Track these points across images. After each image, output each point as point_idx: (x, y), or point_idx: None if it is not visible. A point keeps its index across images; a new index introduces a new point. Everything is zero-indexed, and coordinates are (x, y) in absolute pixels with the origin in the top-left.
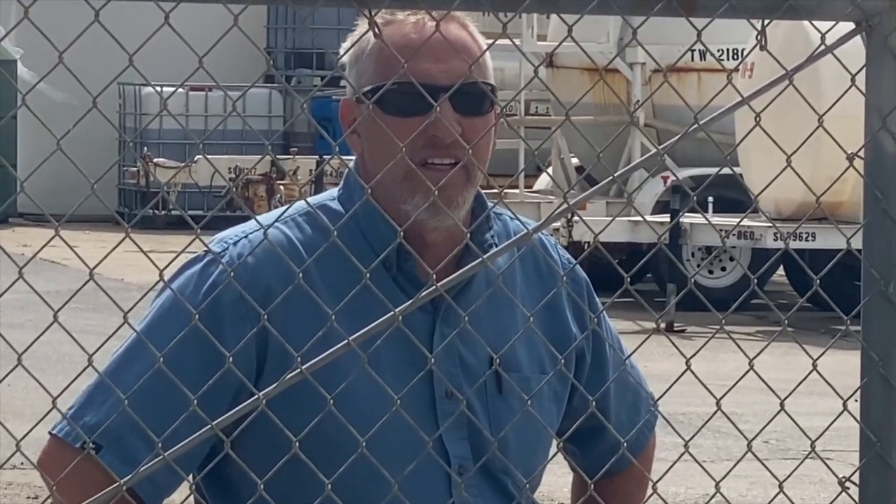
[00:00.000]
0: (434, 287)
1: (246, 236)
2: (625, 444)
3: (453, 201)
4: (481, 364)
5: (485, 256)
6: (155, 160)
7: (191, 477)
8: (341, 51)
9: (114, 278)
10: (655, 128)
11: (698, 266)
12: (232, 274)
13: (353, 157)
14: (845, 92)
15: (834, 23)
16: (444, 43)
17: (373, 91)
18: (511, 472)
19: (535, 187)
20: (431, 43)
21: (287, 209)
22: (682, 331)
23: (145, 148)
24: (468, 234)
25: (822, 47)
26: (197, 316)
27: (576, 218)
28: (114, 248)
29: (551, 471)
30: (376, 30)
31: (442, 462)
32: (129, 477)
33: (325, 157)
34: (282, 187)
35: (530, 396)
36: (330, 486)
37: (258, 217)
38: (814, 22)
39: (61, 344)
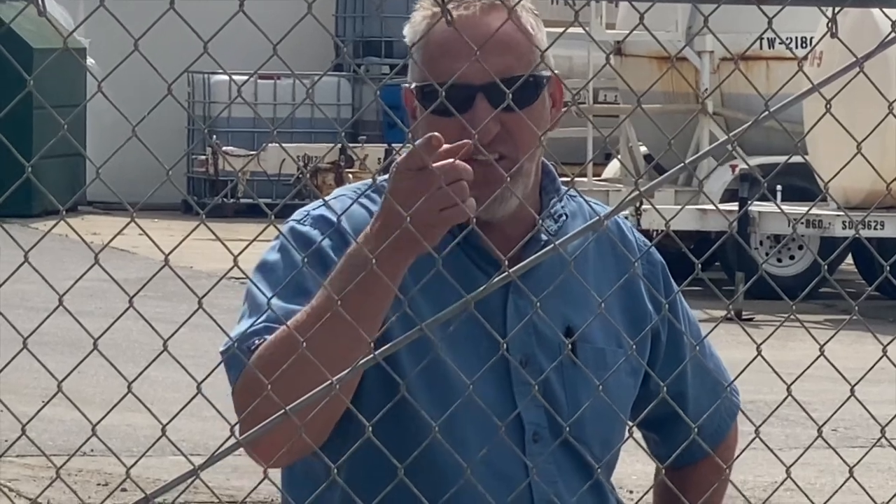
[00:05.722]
0: (506, 273)
1: (324, 205)
2: (696, 429)
3: (498, 195)
4: (555, 334)
5: (552, 245)
6: (223, 149)
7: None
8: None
9: (183, 266)
10: (724, 116)
11: (767, 254)
12: (314, 227)
13: None
14: None
15: None
16: (481, 39)
17: (417, 89)
18: (587, 440)
19: (604, 175)
20: (468, 40)
21: (364, 183)
22: (751, 319)
23: (214, 136)
24: (522, 244)
25: (893, 34)
26: (308, 259)
27: (645, 206)
28: (187, 235)
29: (620, 458)
30: (448, 17)
31: (516, 428)
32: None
33: (393, 145)
34: (350, 175)
35: (604, 374)
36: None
37: (337, 189)
38: (884, 9)
39: (130, 331)
